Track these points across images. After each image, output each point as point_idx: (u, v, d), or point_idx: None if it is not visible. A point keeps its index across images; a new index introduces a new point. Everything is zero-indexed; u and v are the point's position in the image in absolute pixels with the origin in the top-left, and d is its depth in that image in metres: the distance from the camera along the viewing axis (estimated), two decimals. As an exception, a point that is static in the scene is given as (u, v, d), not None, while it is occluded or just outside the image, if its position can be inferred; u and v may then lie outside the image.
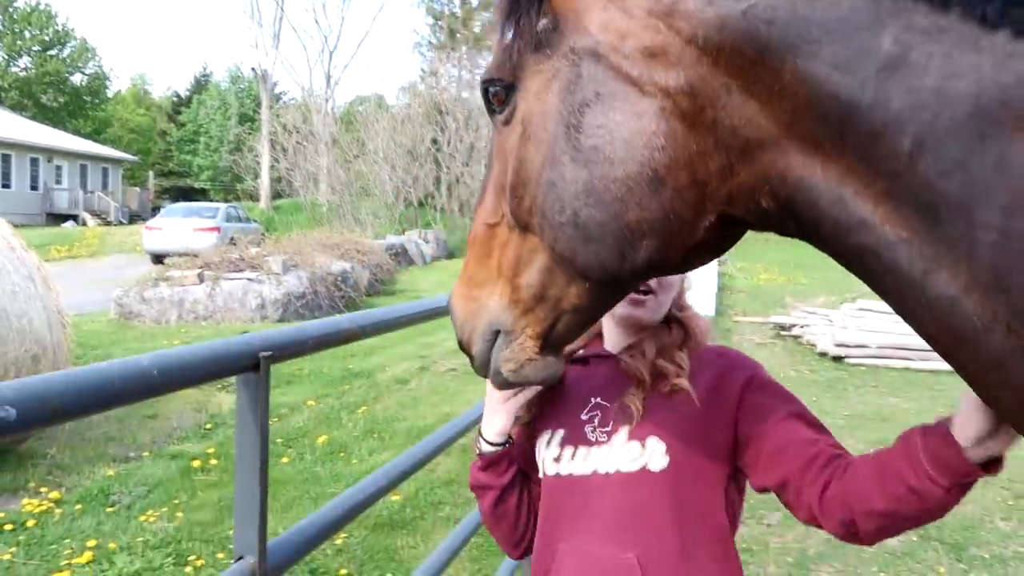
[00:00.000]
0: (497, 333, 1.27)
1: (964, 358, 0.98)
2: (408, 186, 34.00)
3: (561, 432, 1.60)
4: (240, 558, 1.33)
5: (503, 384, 1.31)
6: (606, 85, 1.07)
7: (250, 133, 45.65)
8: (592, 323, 1.36)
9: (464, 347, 1.34)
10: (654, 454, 1.51)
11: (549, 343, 1.25)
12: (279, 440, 6.78)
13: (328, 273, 16.38)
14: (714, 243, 1.17)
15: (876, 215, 0.96)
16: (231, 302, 13.95)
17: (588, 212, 1.11)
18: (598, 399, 1.58)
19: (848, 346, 11.18)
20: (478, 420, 2.72)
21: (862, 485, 1.33)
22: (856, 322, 11.83)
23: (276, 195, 44.16)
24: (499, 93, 1.20)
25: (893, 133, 0.92)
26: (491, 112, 1.23)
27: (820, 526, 1.42)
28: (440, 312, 2.37)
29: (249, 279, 14.34)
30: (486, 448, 1.67)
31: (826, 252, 1.08)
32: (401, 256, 23.53)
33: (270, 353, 1.20)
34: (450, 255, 28.48)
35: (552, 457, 1.59)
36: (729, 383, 1.55)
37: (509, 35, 1.19)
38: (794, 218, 1.06)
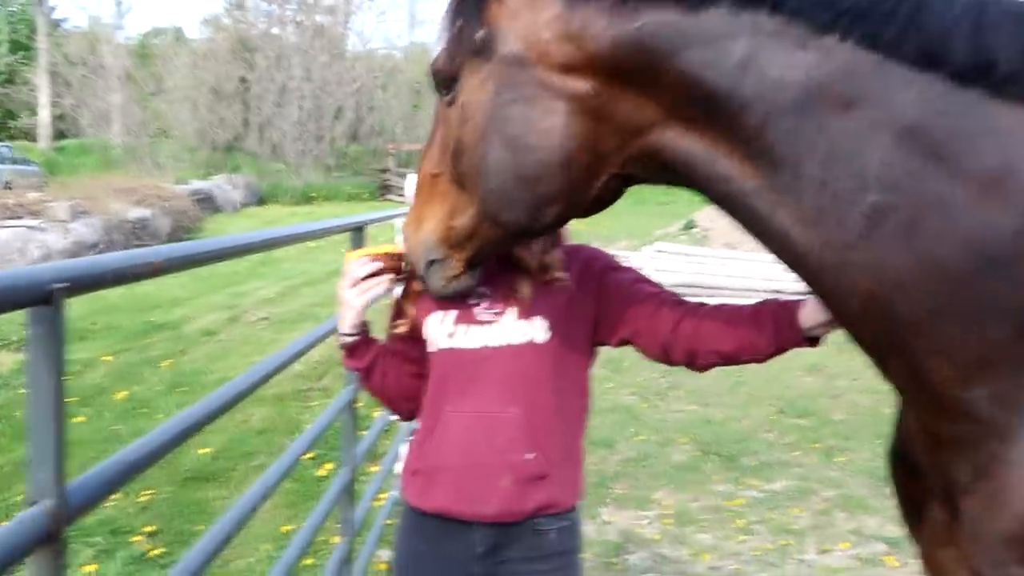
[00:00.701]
0: (434, 260, 1.63)
1: (799, 273, 1.34)
2: (214, 128, 31.85)
3: (453, 313, 1.87)
4: (34, 503, 1.28)
5: (437, 294, 1.71)
6: (529, 89, 1.34)
7: (25, 63, 40.41)
8: (505, 252, 1.77)
9: (412, 267, 1.74)
10: (538, 330, 1.84)
11: (471, 266, 1.63)
12: (73, 399, 6.33)
13: (124, 220, 15.18)
14: (607, 198, 1.47)
15: (737, 171, 1.29)
16: (8, 252, 12.54)
17: (511, 185, 1.40)
18: (483, 288, 1.84)
19: (646, 284, 12.08)
20: (288, 363, 2.72)
21: (713, 329, 1.77)
22: (653, 263, 12.74)
23: (59, 135, 39.67)
24: (445, 82, 1.48)
25: (746, 112, 1.23)
26: (439, 93, 1.51)
27: (668, 359, 1.83)
28: (252, 249, 2.30)
29: (30, 227, 12.97)
30: (345, 340, 1.94)
31: (703, 197, 1.40)
32: (207, 202, 22.17)
33: (64, 285, 1.14)
34: (261, 201, 27.14)
35: (445, 334, 1.88)
36: (590, 270, 1.91)
37: (452, 39, 1.46)
38: (677, 174, 1.37)
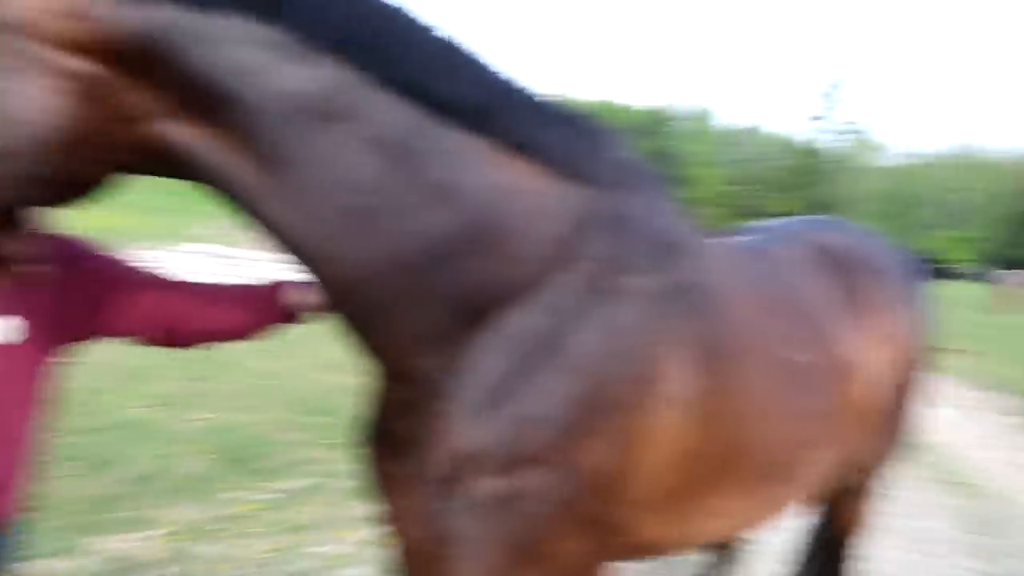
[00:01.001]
0: None
1: (298, 260, 1.47)
2: None
3: None
4: None
5: None
6: (22, 60, 1.26)
7: None
8: None
9: None
10: (9, 330, 1.67)
11: None
12: None
13: None
14: (100, 187, 1.43)
15: (239, 168, 1.37)
16: None
17: None
18: None
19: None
20: None
21: (196, 309, 1.80)
22: (184, 263, 12.08)
23: None
24: None
25: (246, 114, 1.33)
26: None
27: (157, 341, 1.83)
28: None
29: None
30: None
31: (207, 190, 1.45)
32: None
33: None
34: None
35: None
36: (71, 261, 1.77)
37: None
38: (177, 167, 1.40)
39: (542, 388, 1.51)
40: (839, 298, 2.39)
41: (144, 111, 1.34)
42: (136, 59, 1.30)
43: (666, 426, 1.64)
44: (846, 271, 2.49)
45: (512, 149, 1.52)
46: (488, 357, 1.52)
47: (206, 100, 1.33)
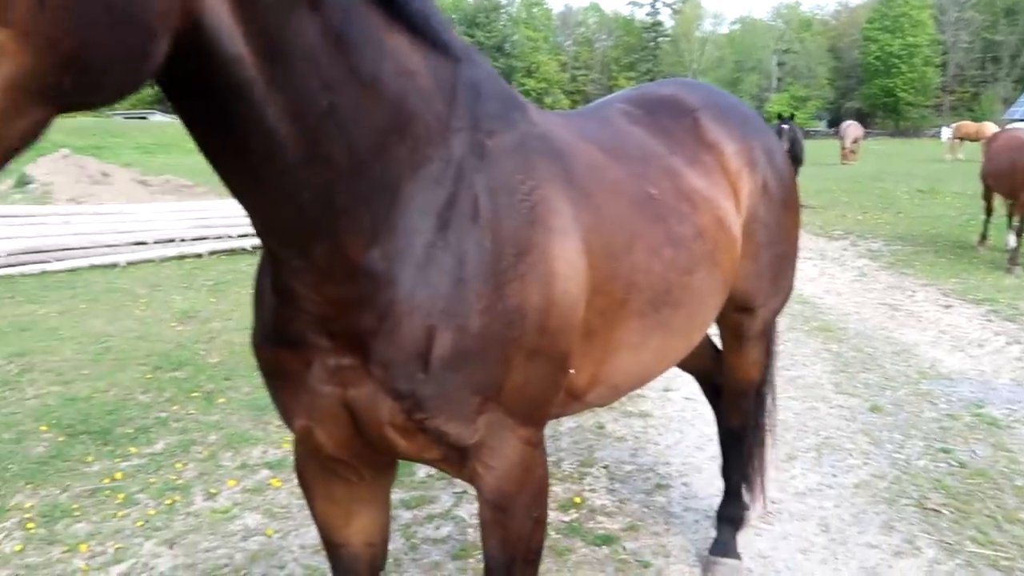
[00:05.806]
0: None
1: (253, 178, 1.42)
2: None
3: None
4: None
5: None
6: None
7: None
8: None
9: None
10: None
11: None
12: None
13: None
14: (142, 78, 1.13)
15: (248, 61, 1.25)
16: None
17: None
18: None
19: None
20: None
21: None
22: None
23: None
24: None
25: None
26: None
27: None
28: None
29: None
30: None
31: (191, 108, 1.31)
32: None
33: None
34: None
35: None
36: None
37: None
38: (197, 59, 1.19)
39: (465, 249, 1.66)
40: (680, 139, 2.59)
41: None
42: None
43: (568, 259, 1.85)
44: (681, 115, 2.70)
45: (396, 25, 1.52)
46: (419, 236, 1.61)
47: None
